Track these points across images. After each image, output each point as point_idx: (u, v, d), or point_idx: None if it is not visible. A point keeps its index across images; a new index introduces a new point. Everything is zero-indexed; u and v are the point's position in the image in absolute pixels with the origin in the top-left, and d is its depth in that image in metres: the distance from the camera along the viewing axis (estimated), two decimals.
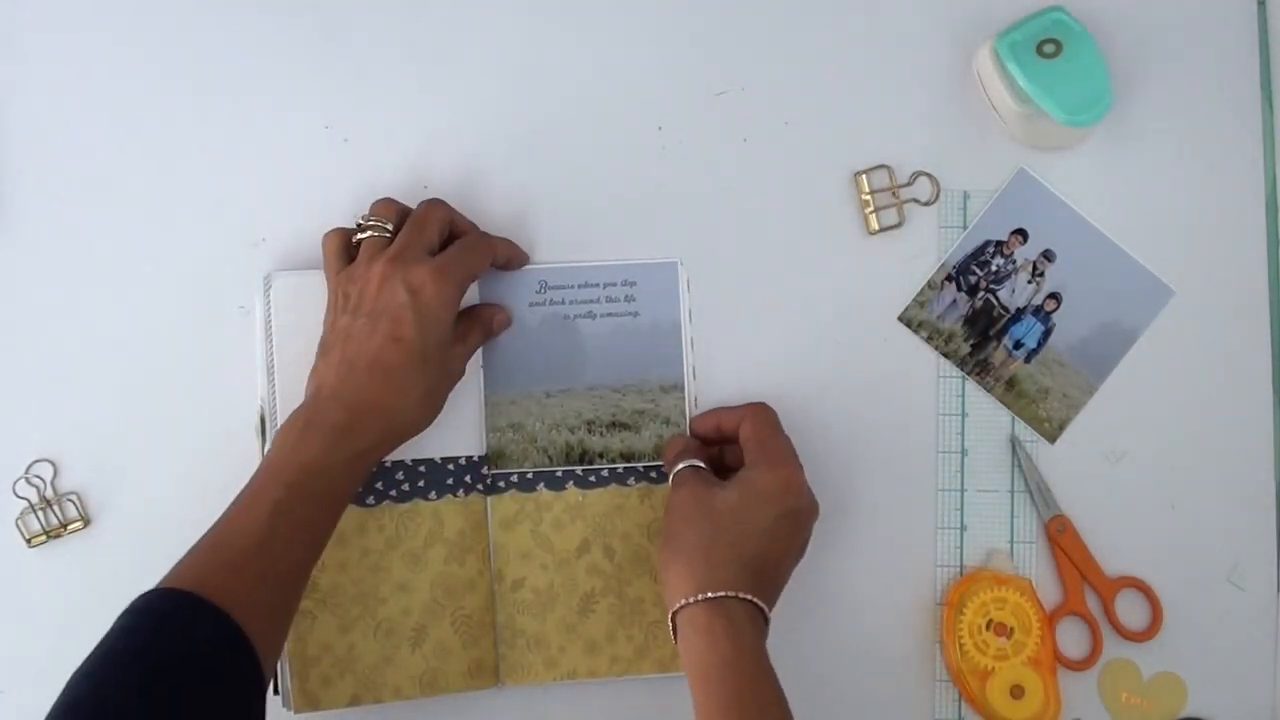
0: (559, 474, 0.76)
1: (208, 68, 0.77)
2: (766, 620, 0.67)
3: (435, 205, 0.72)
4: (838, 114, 0.78)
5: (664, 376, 0.76)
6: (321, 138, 0.77)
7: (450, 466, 0.74)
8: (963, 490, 0.77)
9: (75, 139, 0.76)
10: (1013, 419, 0.77)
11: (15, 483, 0.74)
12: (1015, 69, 0.73)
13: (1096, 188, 0.78)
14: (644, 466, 0.76)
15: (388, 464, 0.73)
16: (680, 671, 0.66)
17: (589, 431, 0.76)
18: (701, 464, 0.72)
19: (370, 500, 0.73)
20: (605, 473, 0.76)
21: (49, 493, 0.74)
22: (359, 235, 0.71)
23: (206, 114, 0.77)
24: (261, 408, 0.73)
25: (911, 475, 0.77)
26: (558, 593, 0.75)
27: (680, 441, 0.75)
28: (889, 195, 0.78)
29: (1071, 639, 0.76)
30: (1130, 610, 0.76)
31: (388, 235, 0.71)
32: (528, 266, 0.76)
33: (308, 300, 0.73)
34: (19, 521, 0.74)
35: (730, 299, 0.77)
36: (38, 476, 0.74)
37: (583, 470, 0.76)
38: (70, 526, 0.74)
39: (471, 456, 0.75)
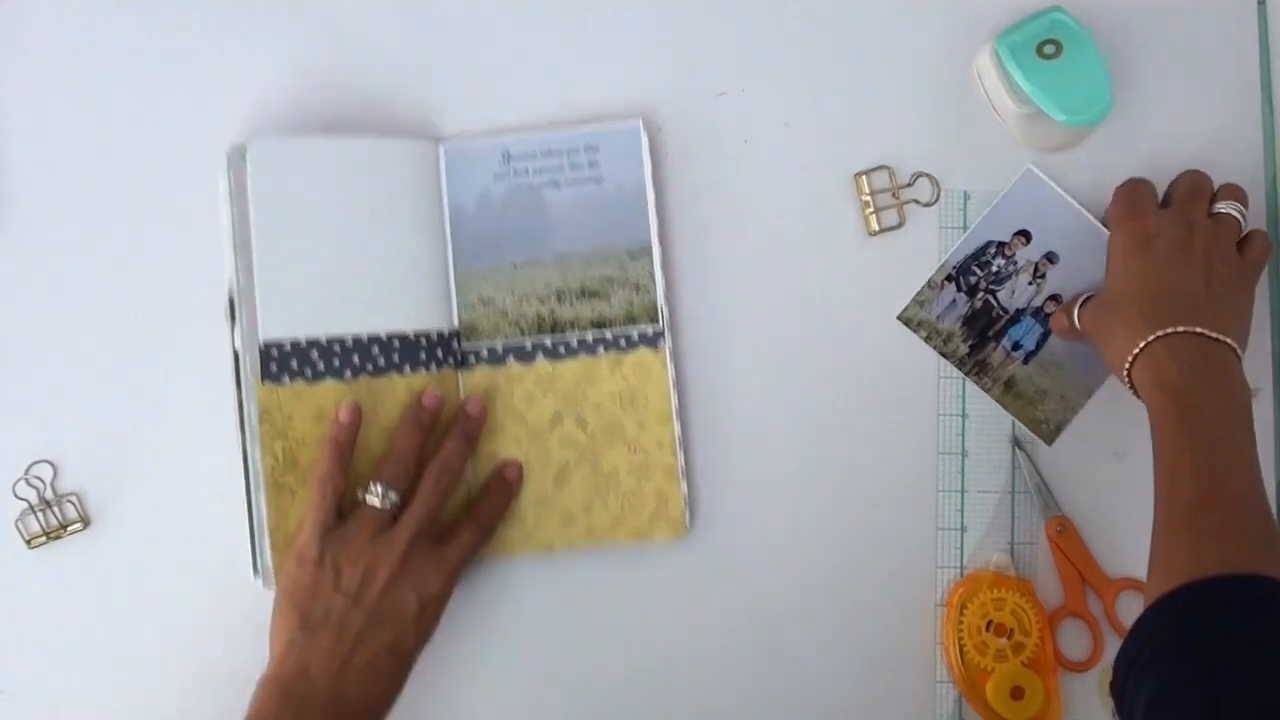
0: (528, 347, 0.75)
1: (209, 68, 0.77)
2: (1231, 347, 0.67)
3: (450, 475, 0.71)
4: (838, 114, 0.78)
5: (630, 242, 0.75)
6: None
7: (423, 341, 0.73)
8: (963, 491, 0.77)
9: (75, 139, 0.76)
10: (1013, 420, 0.77)
11: (15, 484, 0.74)
12: (1015, 70, 0.73)
13: (1097, 188, 0.77)
14: (612, 334, 0.75)
15: (364, 338, 0.72)
16: (657, 539, 0.70)
17: (559, 301, 0.75)
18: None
19: (348, 374, 0.72)
20: (574, 343, 0.75)
21: (49, 494, 0.74)
22: (364, 494, 0.69)
23: (208, 115, 0.77)
24: (230, 288, 0.71)
25: (912, 476, 0.77)
26: (532, 466, 0.74)
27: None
28: (889, 196, 0.78)
29: (1072, 640, 0.76)
30: (1131, 611, 0.76)
31: (392, 512, 0.69)
32: (490, 138, 0.75)
33: (286, 170, 0.71)
34: (19, 523, 0.74)
35: (730, 299, 0.77)
36: (37, 477, 0.74)
37: (551, 341, 0.75)
38: (70, 528, 0.74)
39: (442, 331, 0.74)
